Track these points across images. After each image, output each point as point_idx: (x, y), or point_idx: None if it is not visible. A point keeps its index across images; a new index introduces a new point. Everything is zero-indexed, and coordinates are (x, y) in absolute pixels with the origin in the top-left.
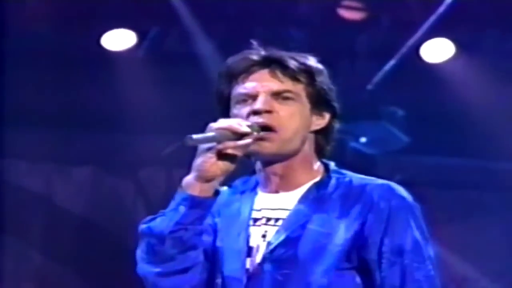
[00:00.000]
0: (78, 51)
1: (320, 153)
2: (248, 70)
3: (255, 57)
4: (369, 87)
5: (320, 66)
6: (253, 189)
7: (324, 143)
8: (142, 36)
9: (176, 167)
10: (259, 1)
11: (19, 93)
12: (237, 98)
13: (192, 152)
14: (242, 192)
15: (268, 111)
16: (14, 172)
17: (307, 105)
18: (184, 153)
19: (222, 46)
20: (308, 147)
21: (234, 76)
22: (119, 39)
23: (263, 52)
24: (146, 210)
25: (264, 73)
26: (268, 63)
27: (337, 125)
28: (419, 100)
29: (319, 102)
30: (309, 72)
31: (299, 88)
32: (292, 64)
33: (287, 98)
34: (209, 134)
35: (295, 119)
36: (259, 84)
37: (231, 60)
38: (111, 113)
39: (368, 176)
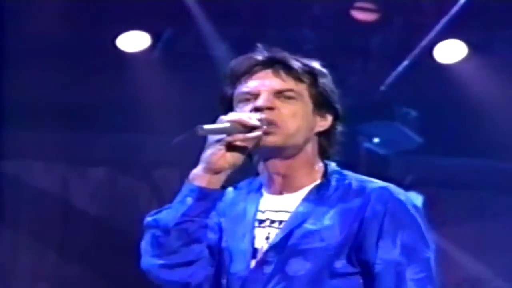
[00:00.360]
0: (93, 52)
1: (323, 155)
2: (251, 70)
3: (258, 57)
4: (382, 88)
5: (323, 69)
6: (258, 190)
7: (327, 145)
8: (156, 37)
9: (191, 168)
10: (273, 2)
11: (35, 94)
12: (239, 97)
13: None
14: (248, 193)
15: (270, 108)
16: (31, 173)
17: (309, 105)
18: (199, 153)
19: (236, 47)
20: (311, 148)
21: (238, 76)
22: (133, 41)
23: (266, 53)
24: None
25: (267, 72)
26: (271, 63)
27: (339, 127)
28: (432, 100)
29: (321, 103)
30: (312, 73)
31: (302, 88)
32: (296, 64)
33: (289, 97)
34: (220, 125)
35: (297, 118)
36: (262, 82)
37: (235, 61)
38: (126, 114)
39: (381, 177)
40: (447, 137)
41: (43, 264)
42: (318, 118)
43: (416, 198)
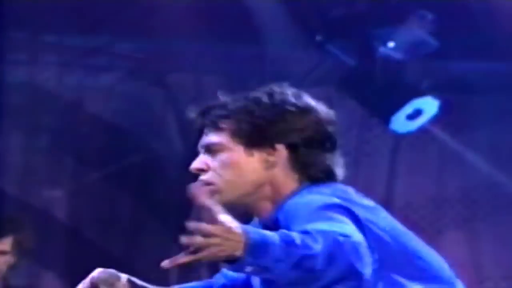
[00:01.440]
0: None
1: (304, 175)
2: (200, 128)
3: (194, 114)
4: None
5: (251, 104)
6: None
7: (302, 166)
8: None
9: (205, 73)
10: None
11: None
12: None
13: (221, 58)
14: None
15: (201, 169)
16: (45, 77)
17: (238, 149)
18: (213, 60)
19: None
20: (276, 182)
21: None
22: None
23: (200, 108)
24: (175, 115)
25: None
26: (203, 118)
27: (308, 150)
28: (448, 3)
29: (254, 140)
30: (233, 116)
31: (224, 137)
32: (212, 113)
33: (213, 151)
34: None
35: (227, 169)
36: (200, 141)
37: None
38: (140, 19)
39: (396, 82)
40: (464, 40)
41: (59, 170)
42: (261, 155)
43: (432, 104)
